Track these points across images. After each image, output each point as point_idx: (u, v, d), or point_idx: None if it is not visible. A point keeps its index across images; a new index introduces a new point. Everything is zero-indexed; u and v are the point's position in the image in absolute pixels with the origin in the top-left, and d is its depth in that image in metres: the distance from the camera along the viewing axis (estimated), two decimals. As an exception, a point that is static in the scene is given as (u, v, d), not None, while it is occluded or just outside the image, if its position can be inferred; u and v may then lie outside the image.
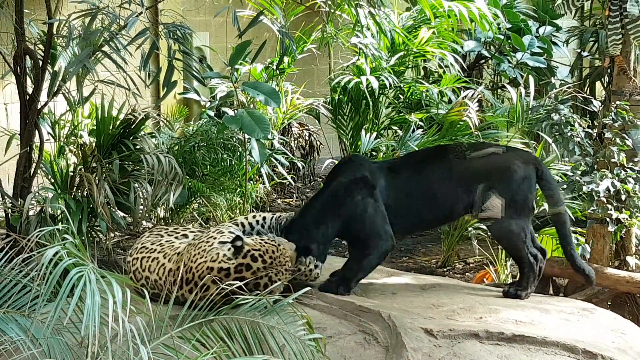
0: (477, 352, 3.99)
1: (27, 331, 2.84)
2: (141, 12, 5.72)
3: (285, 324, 3.23)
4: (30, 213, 6.60)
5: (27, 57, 6.25)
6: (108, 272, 2.46)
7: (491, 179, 4.90)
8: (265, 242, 4.36)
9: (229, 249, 4.27)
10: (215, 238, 4.40)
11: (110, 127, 6.43)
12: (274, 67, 8.72)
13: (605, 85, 8.66)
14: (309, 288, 3.62)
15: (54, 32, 6.35)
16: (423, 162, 5.14)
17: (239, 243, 4.25)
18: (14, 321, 2.91)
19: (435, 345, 3.98)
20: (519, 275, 5.04)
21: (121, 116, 6.59)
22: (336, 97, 9.13)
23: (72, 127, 7.93)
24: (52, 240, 6.06)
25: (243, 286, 3.62)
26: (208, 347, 3.09)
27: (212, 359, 3.00)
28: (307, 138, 10.14)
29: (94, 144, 6.87)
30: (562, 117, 6.44)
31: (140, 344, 2.45)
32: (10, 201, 6.79)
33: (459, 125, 7.95)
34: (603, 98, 8.16)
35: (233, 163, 7.62)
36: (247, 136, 7.03)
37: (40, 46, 6.42)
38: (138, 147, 6.39)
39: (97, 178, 6.19)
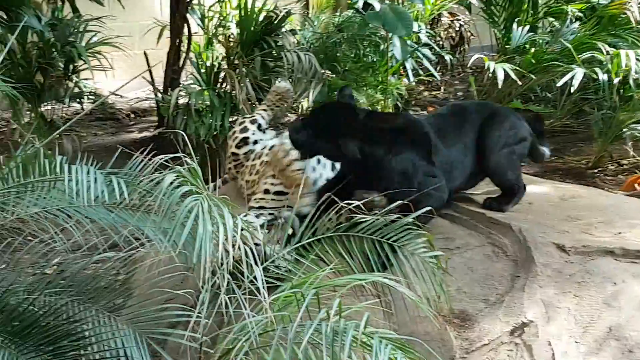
0: (611, 269, 3.84)
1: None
2: None
3: (406, 241, 3.20)
4: (181, 101, 6.81)
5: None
6: (220, 199, 2.49)
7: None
8: None
9: None
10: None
11: (253, 24, 6.46)
12: (424, -44, 8.45)
13: None
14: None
15: None
16: None
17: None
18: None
19: (566, 262, 3.86)
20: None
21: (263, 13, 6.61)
22: (489, -14, 8.81)
23: (221, 18, 8.02)
24: (198, 130, 6.26)
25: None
26: (327, 263, 3.11)
27: (331, 274, 3.02)
28: (457, 28, 9.88)
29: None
30: None
31: (253, 264, 2.50)
32: (162, 95, 7.04)
33: (619, 20, 7.52)
34: None
35: (375, 60, 7.52)
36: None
37: None
38: (279, 44, 6.41)
39: (239, 75, 6.27)
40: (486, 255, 3.98)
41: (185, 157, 2.63)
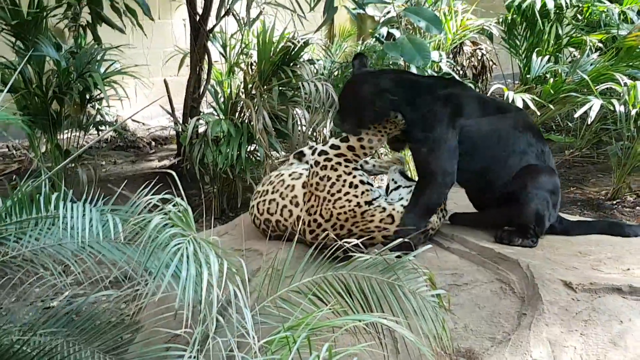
0: (618, 307, 3.80)
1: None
2: None
3: (406, 280, 3.18)
4: (201, 129, 6.85)
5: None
6: (209, 242, 2.48)
7: None
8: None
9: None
10: (357, 197, 4.17)
11: (271, 54, 6.48)
12: (445, -14, 8.48)
13: None
14: (430, 246, 3.53)
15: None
16: None
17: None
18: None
19: (573, 299, 3.83)
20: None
21: (282, 42, 6.63)
22: (509, 17, 8.80)
23: (243, 45, 8.06)
24: (216, 159, 6.28)
25: None
26: (325, 302, 3.09)
27: (329, 314, 3.01)
28: (479, 57, 9.85)
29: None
30: None
31: (243, 306, 2.49)
32: (179, 125, 7.08)
33: (637, 51, 7.47)
34: None
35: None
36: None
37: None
38: (298, 73, 6.43)
39: (256, 105, 6.29)
40: (494, 292, 3.95)
41: (174, 198, 2.63)
